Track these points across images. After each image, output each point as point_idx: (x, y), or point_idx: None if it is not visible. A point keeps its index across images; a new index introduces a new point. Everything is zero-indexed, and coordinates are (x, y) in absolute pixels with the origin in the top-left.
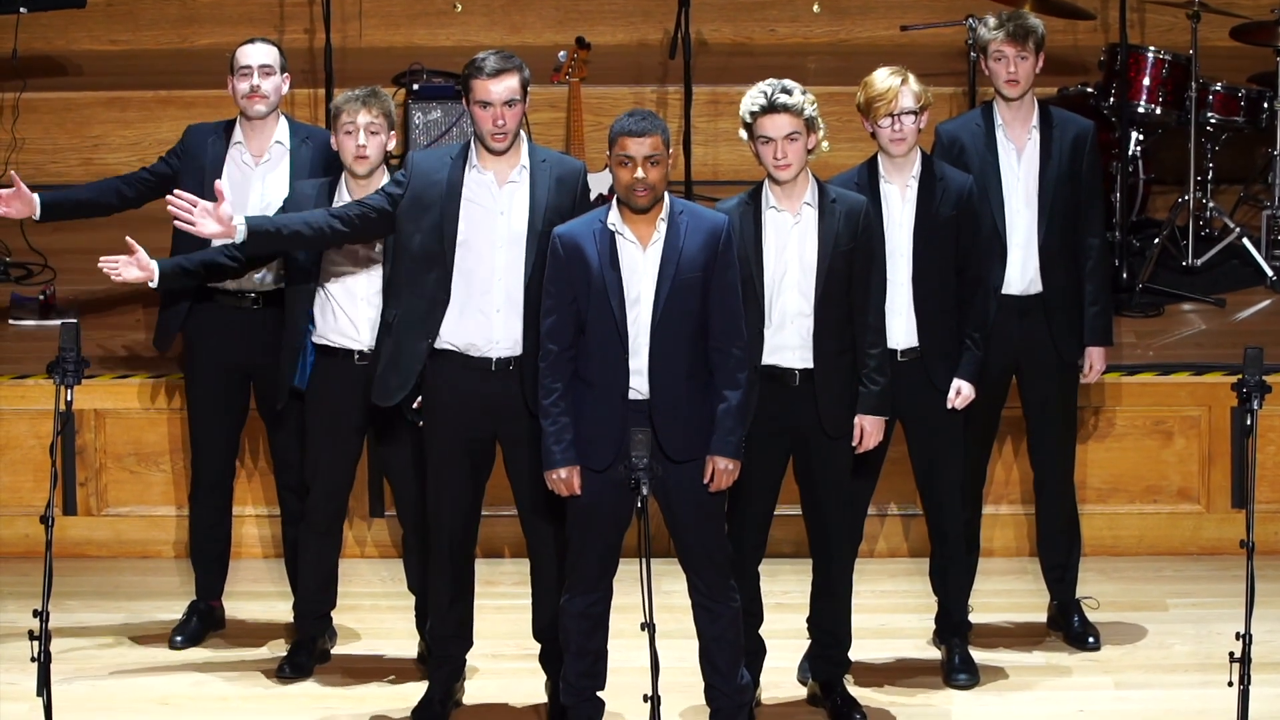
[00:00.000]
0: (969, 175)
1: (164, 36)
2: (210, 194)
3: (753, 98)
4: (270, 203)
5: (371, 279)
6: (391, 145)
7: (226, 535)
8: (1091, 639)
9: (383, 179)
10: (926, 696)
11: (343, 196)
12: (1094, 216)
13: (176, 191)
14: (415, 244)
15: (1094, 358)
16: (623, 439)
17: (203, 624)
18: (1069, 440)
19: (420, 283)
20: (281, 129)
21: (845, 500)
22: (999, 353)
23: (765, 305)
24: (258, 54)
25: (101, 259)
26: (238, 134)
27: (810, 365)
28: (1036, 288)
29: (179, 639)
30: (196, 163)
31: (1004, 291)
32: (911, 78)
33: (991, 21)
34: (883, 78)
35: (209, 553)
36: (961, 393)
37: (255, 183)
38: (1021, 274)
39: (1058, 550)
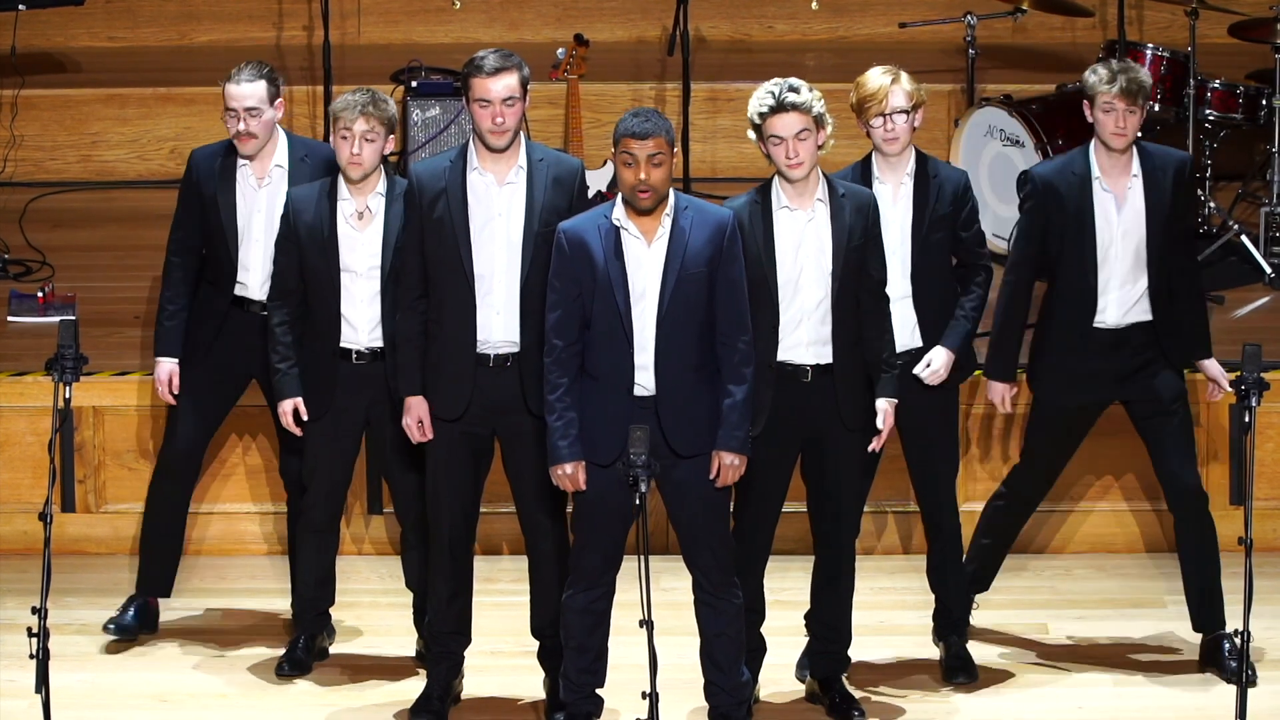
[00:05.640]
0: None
1: (163, 33)
2: (226, 215)
3: (761, 99)
4: (274, 224)
5: (370, 281)
6: (390, 147)
7: (181, 527)
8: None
9: (379, 181)
10: (925, 694)
11: (340, 197)
12: (1188, 235)
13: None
14: (429, 252)
15: (1207, 369)
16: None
17: (139, 620)
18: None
19: (442, 290)
20: (280, 151)
21: (857, 492)
22: (1097, 387)
23: (780, 304)
24: (242, 95)
25: None
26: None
27: (822, 361)
28: (1137, 317)
29: (111, 626)
30: (208, 188)
31: (1098, 325)
32: (904, 76)
33: (1103, 72)
34: (874, 77)
35: (164, 542)
36: (932, 365)
37: (261, 203)
38: (1119, 308)
39: (1203, 573)
